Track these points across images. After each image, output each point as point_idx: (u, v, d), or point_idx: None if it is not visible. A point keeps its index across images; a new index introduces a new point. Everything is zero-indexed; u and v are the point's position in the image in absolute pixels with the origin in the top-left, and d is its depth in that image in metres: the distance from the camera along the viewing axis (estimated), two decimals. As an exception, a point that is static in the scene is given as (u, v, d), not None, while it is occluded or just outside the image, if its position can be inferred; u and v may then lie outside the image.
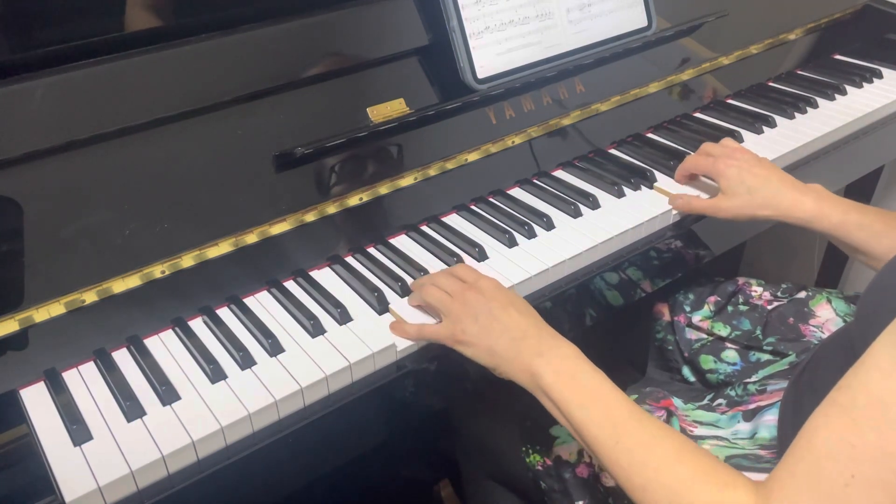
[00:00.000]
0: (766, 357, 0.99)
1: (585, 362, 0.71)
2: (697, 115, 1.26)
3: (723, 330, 1.04)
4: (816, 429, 0.54)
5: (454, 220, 1.00)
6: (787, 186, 0.93)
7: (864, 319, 0.65)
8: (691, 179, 1.05)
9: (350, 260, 0.93)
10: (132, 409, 0.71)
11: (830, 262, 1.78)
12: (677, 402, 0.93)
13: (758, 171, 0.95)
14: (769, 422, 0.82)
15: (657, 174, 1.08)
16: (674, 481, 0.60)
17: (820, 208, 0.90)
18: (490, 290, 0.78)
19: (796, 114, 1.25)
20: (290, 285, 0.89)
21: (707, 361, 1.02)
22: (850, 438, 0.52)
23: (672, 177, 1.07)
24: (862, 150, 1.27)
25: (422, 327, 0.80)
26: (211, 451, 0.70)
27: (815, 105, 1.27)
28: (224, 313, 0.85)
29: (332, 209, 0.92)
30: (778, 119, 1.23)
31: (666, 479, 0.60)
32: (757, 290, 1.07)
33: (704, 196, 1.02)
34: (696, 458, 0.61)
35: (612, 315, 1.00)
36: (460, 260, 0.91)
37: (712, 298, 1.07)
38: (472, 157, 1.02)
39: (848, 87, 1.33)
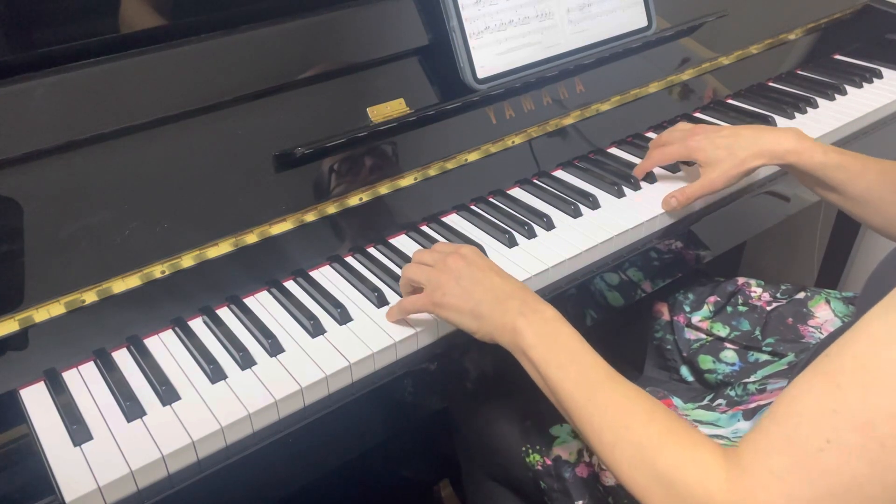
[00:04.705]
0: (764, 357, 0.99)
1: (566, 325, 0.71)
2: (697, 114, 1.26)
3: (722, 330, 1.04)
4: (796, 395, 0.54)
5: (454, 219, 1.00)
6: (760, 131, 0.96)
7: (864, 308, 0.65)
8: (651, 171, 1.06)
9: (350, 260, 0.93)
10: (132, 409, 0.71)
11: (830, 263, 1.78)
12: (677, 401, 0.93)
13: (726, 132, 0.98)
14: (769, 421, 0.81)
15: (657, 174, 1.07)
16: (643, 439, 0.60)
17: (801, 145, 0.93)
18: (471, 255, 0.77)
19: (796, 114, 1.25)
20: (290, 285, 0.89)
21: (706, 361, 1.02)
22: (832, 404, 0.51)
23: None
24: (862, 150, 1.25)
25: (402, 301, 0.80)
26: (211, 451, 0.70)
27: (815, 105, 1.27)
28: (224, 313, 0.85)
29: (332, 209, 0.92)
30: (778, 119, 1.23)
31: (635, 437, 0.61)
32: (756, 290, 1.07)
33: (688, 183, 1.01)
34: (667, 419, 0.62)
35: (612, 315, 1.00)
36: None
37: (712, 299, 1.07)
38: (472, 157, 1.03)
39: (848, 87, 1.33)
